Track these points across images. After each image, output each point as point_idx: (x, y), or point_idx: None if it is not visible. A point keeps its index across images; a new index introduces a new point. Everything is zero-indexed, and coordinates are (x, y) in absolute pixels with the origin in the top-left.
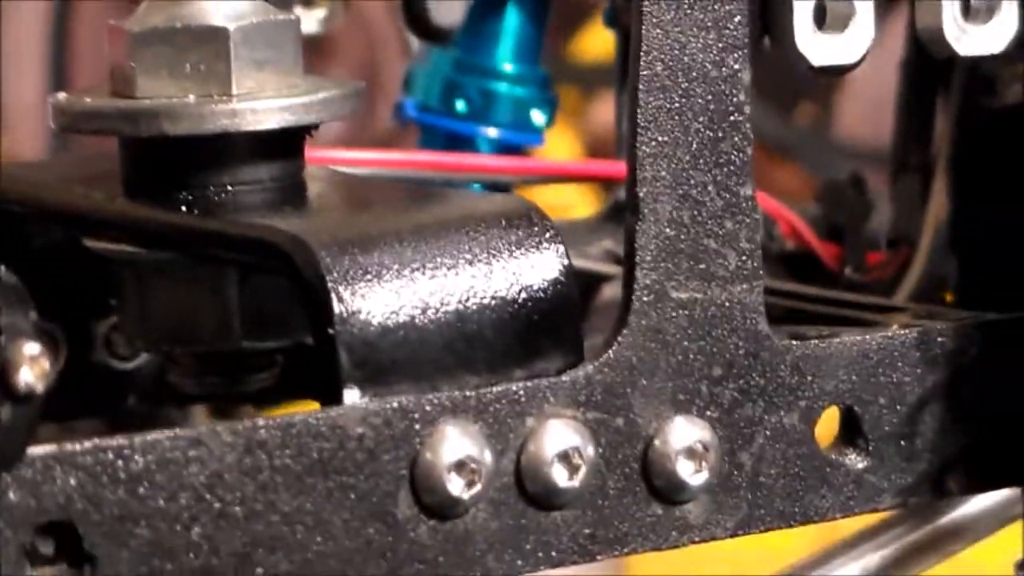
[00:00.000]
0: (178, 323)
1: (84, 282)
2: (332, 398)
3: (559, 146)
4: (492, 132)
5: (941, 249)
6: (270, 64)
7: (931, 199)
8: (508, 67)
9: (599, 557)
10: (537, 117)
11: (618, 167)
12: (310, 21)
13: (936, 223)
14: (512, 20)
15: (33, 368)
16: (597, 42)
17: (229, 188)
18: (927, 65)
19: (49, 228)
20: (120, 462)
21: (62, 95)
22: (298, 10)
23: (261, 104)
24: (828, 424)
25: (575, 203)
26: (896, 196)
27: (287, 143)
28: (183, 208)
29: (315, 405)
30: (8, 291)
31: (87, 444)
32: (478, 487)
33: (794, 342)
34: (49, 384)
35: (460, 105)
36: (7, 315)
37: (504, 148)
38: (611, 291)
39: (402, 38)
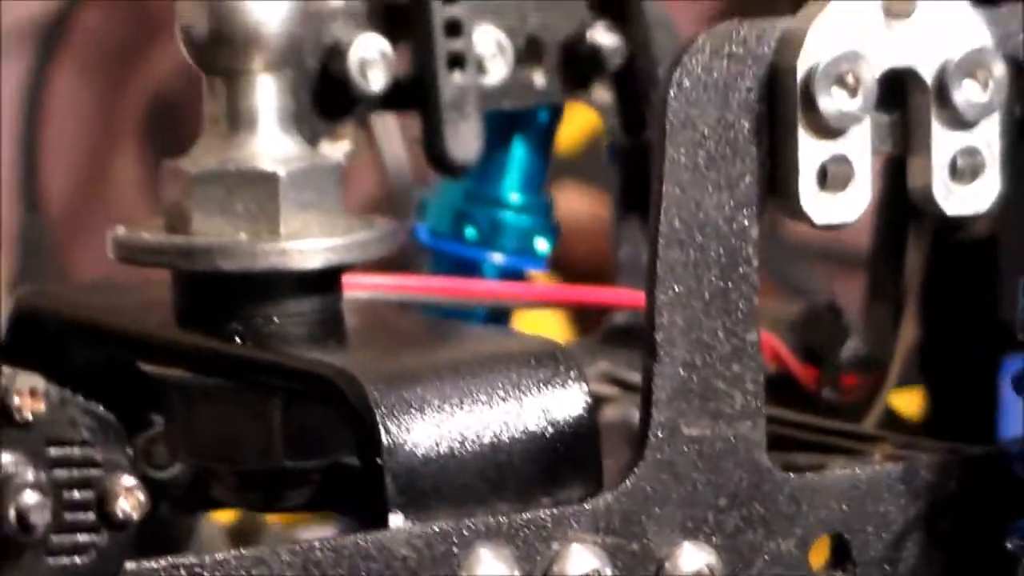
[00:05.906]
0: (224, 443)
1: (124, 398)
2: (378, 522)
3: None
4: (498, 258)
5: (909, 376)
6: (314, 206)
7: (902, 327)
8: (515, 197)
9: None
10: (541, 244)
11: (615, 293)
12: (336, 155)
13: (905, 351)
14: (518, 152)
15: (129, 499)
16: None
17: (275, 320)
18: (900, 201)
19: (89, 347)
20: None
21: (121, 229)
22: (324, 145)
23: (307, 244)
24: (818, 549)
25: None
26: (869, 322)
27: (328, 279)
28: (233, 338)
29: None
30: (107, 428)
31: (163, 562)
32: None
33: (791, 475)
34: (143, 514)
35: (470, 232)
36: (107, 450)
37: (507, 273)
38: (611, 412)
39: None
